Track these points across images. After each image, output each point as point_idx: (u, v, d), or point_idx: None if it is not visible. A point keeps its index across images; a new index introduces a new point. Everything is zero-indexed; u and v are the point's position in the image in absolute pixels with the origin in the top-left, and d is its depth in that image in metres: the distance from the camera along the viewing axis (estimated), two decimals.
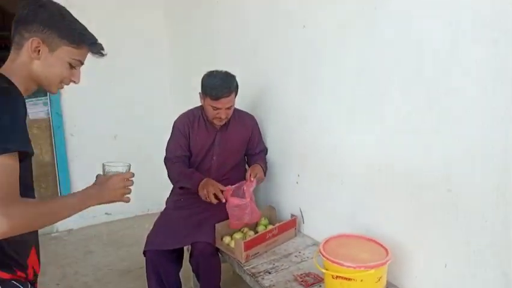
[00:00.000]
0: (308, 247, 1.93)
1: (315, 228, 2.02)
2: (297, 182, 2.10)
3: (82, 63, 1.12)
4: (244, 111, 2.27)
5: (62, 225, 3.41)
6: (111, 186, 1.14)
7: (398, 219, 1.53)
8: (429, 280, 1.42)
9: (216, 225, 1.92)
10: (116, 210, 3.61)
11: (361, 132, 1.66)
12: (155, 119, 3.51)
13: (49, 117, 3.21)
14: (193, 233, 1.91)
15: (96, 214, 3.54)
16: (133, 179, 1.19)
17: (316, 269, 1.47)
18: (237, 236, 1.92)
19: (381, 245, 1.45)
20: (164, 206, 2.22)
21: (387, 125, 1.52)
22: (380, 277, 1.35)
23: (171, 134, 2.16)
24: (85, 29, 1.10)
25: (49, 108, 3.17)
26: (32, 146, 0.97)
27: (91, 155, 3.33)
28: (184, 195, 2.13)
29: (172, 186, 2.21)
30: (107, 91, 3.37)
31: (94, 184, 1.16)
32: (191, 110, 2.21)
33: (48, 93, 3.18)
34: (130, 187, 1.18)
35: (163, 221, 2.02)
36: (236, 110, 2.16)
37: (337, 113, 1.79)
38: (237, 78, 2.03)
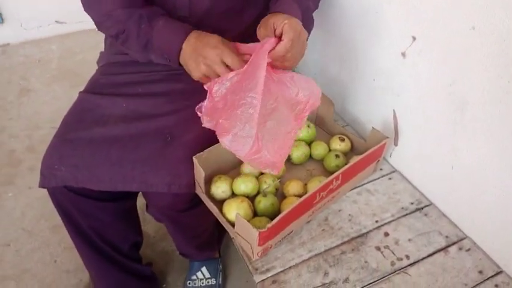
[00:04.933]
0: (413, 213, 0.85)
1: (420, 159, 0.89)
2: (403, 54, 0.84)
3: None
4: None
5: None
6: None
7: None
8: None
9: (195, 157, 0.79)
10: (72, 18, 2.38)
11: None
12: None
13: None
14: (144, 164, 0.80)
15: (42, 23, 2.35)
16: None
17: None
18: (243, 185, 0.82)
19: None
20: None
21: None
22: None
23: None
24: None
25: None
26: None
27: None
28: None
29: None
30: None
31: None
32: None
33: None
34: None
35: (79, 121, 0.86)
36: None
37: None
38: None
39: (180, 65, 0.79)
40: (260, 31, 0.77)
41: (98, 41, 2.30)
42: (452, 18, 0.70)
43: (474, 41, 0.67)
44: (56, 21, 2.37)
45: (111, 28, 0.81)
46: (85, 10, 0.86)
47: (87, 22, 2.41)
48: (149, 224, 1.35)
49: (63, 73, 2.10)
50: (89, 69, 2.08)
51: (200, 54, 0.74)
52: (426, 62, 0.79)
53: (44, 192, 1.45)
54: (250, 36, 0.95)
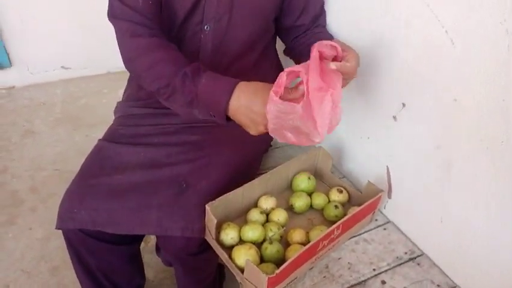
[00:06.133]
0: (407, 262, 0.92)
1: (411, 212, 0.97)
2: (394, 118, 0.95)
3: None
4: None
5: (0, 78, 2.35)
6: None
7: None
8: None
9: (208, 205, 0.86)
10: (77, 64, 2.50)
11: None
12: None
13: None
14: (159, 209, 0.87)
15: (48, 68, 2.45)
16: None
17: None
18: (251, 232, 0.89)
19: None
20: None
21: None
22: None
23: None
24: None
25: None
26: None
27: None
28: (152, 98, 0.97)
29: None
30: None
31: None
32: None
33: None
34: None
35: (99, 167, 0.93)
36: None
37: None
38: None
39: (228, 119, 0.81)
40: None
41: (100, 87, 2.43)
42: (436, 90, 0.82)
43: (456, 111, 0.78)
44: (61, 67, 2.48)
45: (153, 83, 0.84)
46: (126, 64, 0.89)
47: (91, 68, 2.58)
48: (148, 268, 1.38)
49: (66, 117, 2.18)
50: (91, 113, 2.20)
51: (255, 113, 0.75)
52: (414, 126, 0.89)
53: (45, 233, 1.50)
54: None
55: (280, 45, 1.14)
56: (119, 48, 0.89)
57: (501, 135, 0.71)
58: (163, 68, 0.82)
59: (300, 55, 1.04)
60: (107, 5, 0.88)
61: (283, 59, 1.18)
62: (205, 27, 0.91)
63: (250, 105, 0.75)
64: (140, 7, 0.85)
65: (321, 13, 1.03)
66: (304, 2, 0.99)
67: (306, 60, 0.96)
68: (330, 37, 1.03)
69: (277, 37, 1.12)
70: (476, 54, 0.72)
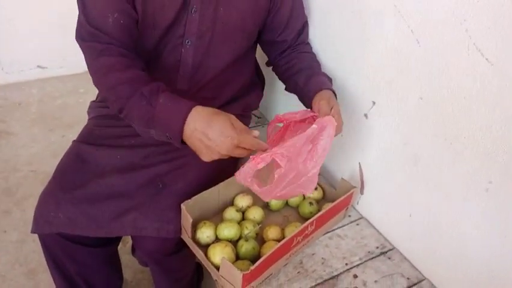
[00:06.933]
0: (378, 257, 0.94)
1: (382, 207, 1.00)
2: (365, 115, 0.97)
3: None
4: None
5: None
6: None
7: None
8: None
9: (183, 204, 0.86)
10: (54, 63, 2.45)
11: None
12: None
13: None
14: (136, 210, 0.87)
15: (24, 67, 2.40)
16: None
17: None
18: (227, 230, 0.90)
19: None
20: None
21: None
22: None
23: None
24: None
25: None
26: None
27: None
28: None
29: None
30: None
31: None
32: None
33: None
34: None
35: (75, 171, 0.92)
36: None
37: None
38: None
39: (183, 142, 0.77)
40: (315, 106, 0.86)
41: (77, 87, 2.39)
42: (403, 89, 0.84)
43: (422, 109, 0.81)
44: (38, 66, 2.44)
45: (115, 103, 0.81)
46: (94, 83, 0.87)
47: (67, 68, 2.53)
48: (126, 269, 1.37)
49: (42, 117, 2.14)
50: (68, 113, 2.17)
51: (211, 141, 0.72)
52: (384, 123, 0.92)
53: (20, 236, 1.47)
54: (235, 99, 1.07)
55: (262, 56, 1.14)
56: (88, 70, 0.85)
57: (464, 132, 0.74)
58: (124, 88, 0.78)
59: (283, 74, 1.04)
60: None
61: (264, 68, 1.18)
62: (186, 41, 0.90)
63: (206, 131, 0.72)
64: (110, 27, 0.81)
65: (303, 29, 1.04)
66: (287, 18, 0.99)
67: (289, 82, 1.00)
68: (312, 55, 1.05)
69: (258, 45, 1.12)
70: (440, 53, 0.74)
